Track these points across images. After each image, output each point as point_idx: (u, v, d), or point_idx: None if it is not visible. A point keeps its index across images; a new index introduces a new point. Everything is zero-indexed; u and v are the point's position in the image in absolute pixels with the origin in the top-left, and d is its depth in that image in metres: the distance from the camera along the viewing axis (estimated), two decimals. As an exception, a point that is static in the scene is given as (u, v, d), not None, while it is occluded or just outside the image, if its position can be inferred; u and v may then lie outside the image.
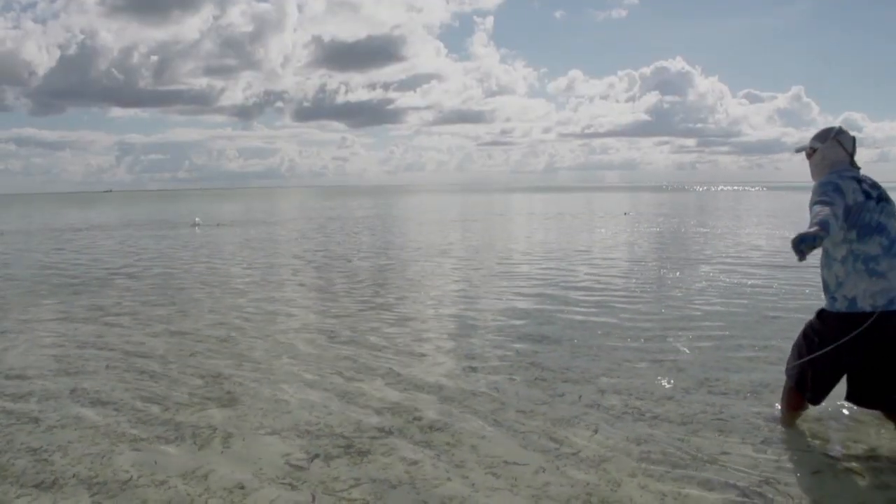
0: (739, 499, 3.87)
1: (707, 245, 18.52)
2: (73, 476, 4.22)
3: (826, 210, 4.24)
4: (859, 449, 4.57)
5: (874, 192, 4.44)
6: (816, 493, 3.98)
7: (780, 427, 4.92)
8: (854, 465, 4.33)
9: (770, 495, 3.91)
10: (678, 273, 13.51)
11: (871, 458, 4.43)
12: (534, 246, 20.06)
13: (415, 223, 33.12)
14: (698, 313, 9.19)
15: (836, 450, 4.57)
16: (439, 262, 15.91)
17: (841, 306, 4.44)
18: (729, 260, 15.32)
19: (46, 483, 4.13)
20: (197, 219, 33.77)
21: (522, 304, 10.13)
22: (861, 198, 4.37)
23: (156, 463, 4.41)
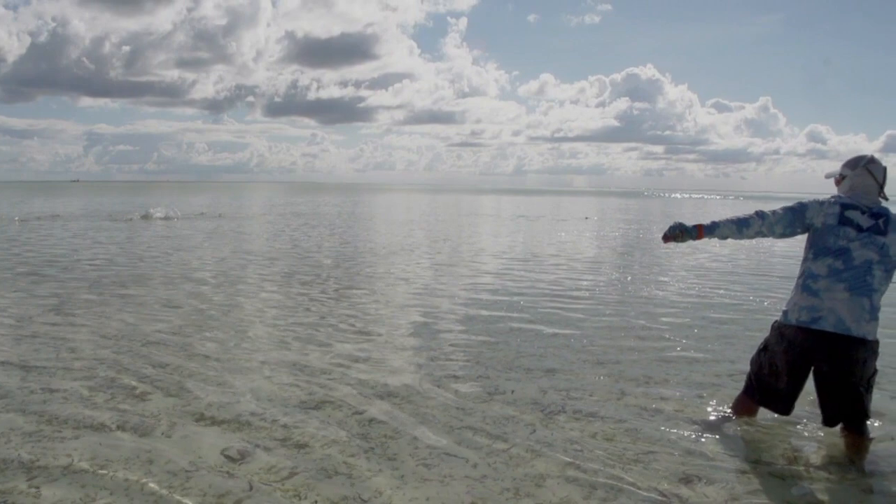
0: (658, 497, 3.99)
1: (660, 252, 18.68)
2: (14, 460, 4.24)
3: (745, 217, 4.69)
4: (786, 455, 4.70)
5: (868, 223, 4.45)
6: (733, 491, 4.11)
7: (709, 430, 5.06)
8: (779, 468, 4.48)
9: (686, 495, 4.04)
10: (628, 277, 13.75)
11: (794, 462, 4.58)
12: (492, 248, 20.13)
13: (380, 221, 33.07)
14: (644, 317, 9.36)
15: (763, 455, 4.70)
16: (397, 260, 15.96)
17: (780, 318, 4.71)
18: (680, 267, 15.56)
19: (-17, 467, 4.16)
20: (152, 210, 32.53)
21: (473, 305, 10.23)
22: (832, 221, 4.50)
23: (98, 449, 4.44)
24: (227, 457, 4.41)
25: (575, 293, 11.38)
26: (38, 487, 3.92)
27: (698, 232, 4.70)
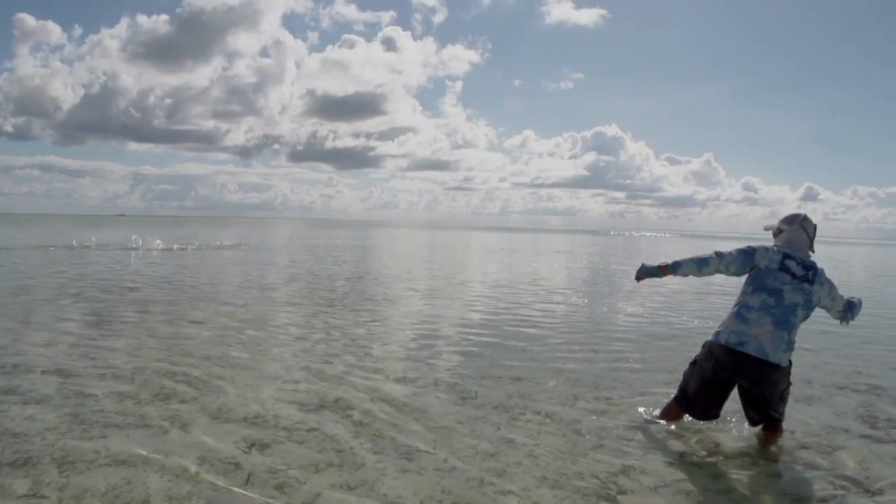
0: (601, 484, 4.01)
1: (618, 278, 18.71)
2: (47, 455, 4.20)
3: (706, 257, 4.76)
4: (708, 448, 4.75)
5: (800, 272, 4.62)
6: (664, 479, 4.14)
7: (646, 429, 5.07)
8: (701, 459, 4.54)
9: (623, 482, 4.07)
10: (587, 301, 13.75)
11: (714, 454, 4.65)
12: (475, 276, 20.11)
13: (384, 253, 32.88)
14: (599, 335, 9.38)
15: (689, 448, 4.75)
16: (397, 285, 15.82)
17: (712, 337, 4.80)
18: (631, 294, 15.52)
19: (20, 461, 4.10)
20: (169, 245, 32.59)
21: (456, 324, 10.19)
22: (774, 266, 4.64)
23: (122, 445, 4.40)
24: (235, 450, 4.38)
25: (541, 314, 11.35)
26: (67, 478, 3.88)
27: (662, 271, 4.76)
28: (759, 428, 4.92)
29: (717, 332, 4.75)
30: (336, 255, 28.12)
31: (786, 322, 4.54)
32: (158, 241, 31.19)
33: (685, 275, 4.81)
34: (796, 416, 5.42)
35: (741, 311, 4.64)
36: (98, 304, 11.29)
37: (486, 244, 50.20)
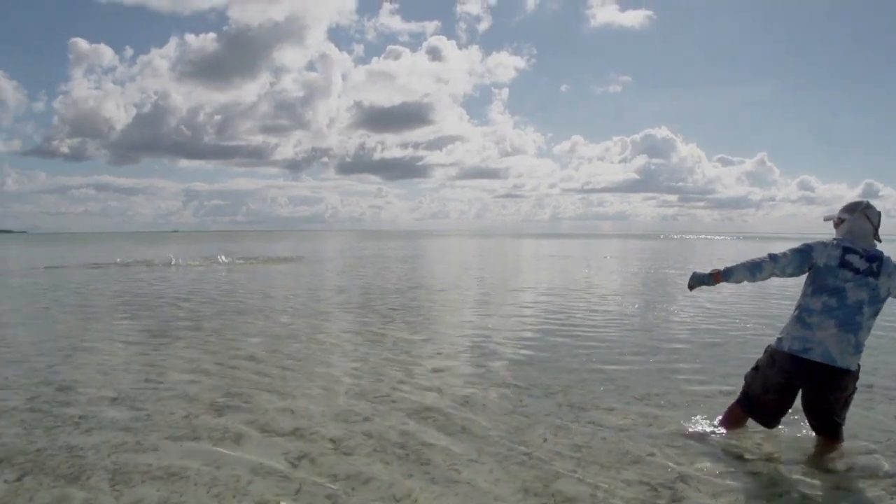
0: (653, 493, 3.92)
1: (669, 282, 18.39)
2: (101, 468, 4.29)
3: (759, 261, 4.53)
4: (764, 455, 4.60)
5: (863, 266, 4.34)
6: (719, 487, 4.03)
7: (699, 437, 4.95)
8: (757, 466, 4.40)
9: (679, 488, 3.98)
10: (636, 305, 13.51)
11: (771, 460, 4.50)
12: (523, 283, 19.88)
13: (436, 262, 32.91)
14: (651, 340, 9.23)
15: (744, 455, 4.60)
16: (449, 294, 15.84)
17: (775, 343, 4.60)
18: (681, 298, 15.13)
19: (74, 475, 4.19)
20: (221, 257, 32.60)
21: (504, 333, 10.12)
22: (834, 263, 4.38)
23: (172, 459, 4.46)
24: (286, 462, 4.41)
25: (590, 321, 11.21)
26: (119, 490, 3.96)
27: (715, 279, 4.59)
28: (816, 436, 4.74)
29: (780, 339, 4.56)
30: (386, 266, 28.33)
31: (851, 323, 4.31)
32: (222, 256, 31.72)
33: (738, 281, 4.62)
34: (857, 420, 5.22)
35: (802, 316, 4.44)
36: (151, 319, 11.56)
37: (536, 251, 49.96)
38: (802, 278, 4.65)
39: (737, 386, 5.08)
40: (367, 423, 5.32)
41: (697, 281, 4.70)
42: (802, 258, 4.49)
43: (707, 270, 4.68)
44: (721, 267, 4.64)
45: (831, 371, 4.32)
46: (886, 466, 4.41)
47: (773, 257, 4.53)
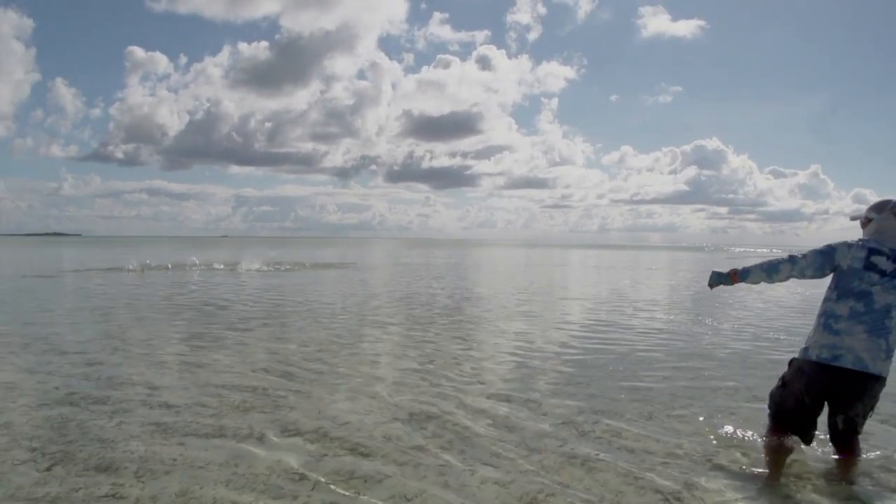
0: (663, 500, 3.95)
1: (706, 295, 18.07)
2: (127, 460, 4.48)
3: (776, 262, 4.46)
4: (780, 467, 4.57)
5: (890, 268, 4.17)
6: (727, 497, 4.03)
7: (719, 448, 4.92)
8: (773, 479, 4.37)
9: (685, 497, 4.00)
10: (673, 316, 13.33)
11: (787, 474, 4.44)
12: (568, 292, 19.85)
13: (483, 271, 32.89)
14: (683, 350, 9.19)
15: (759, 467, 4.57)
16: (491, 303, 15.83)
17: (800, 354, 4.46)
18: (720, 306, 15.03)
19: (103, 466, 4.39)
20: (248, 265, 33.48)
21: (538, 343, 10.16)
22: (858, 265, 4.23)
23: (196, 453, 4.64)
24: (305, 460, 4.55)
25: (625, 331, 11.19)
26: (144, 482, 4.14)
27: (732, 279, 4.56)
28: (833, 449, 4.61)
29: (806, 349, 4.41)
30: (432, 274, 28.55)
31: (881, 328, 4.16)
32: (255, 264, 32.18)
33: (755, 282, 4.56)
34: (879, 434, 5.17)
35: (829, 322, 4.29)
36: (199, 321, 11.88)
37: (582, 261, 49.63)
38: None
39: (763, 394, 5.02)
40: (389, 424, 5.43)
41: (716, 280, 4.65)
42: (824, 260, 4.36)
43: (726, 270, 4.63)
44: (740, 267, 4.60)
45: (864, 378, 4.18)
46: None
47: (792, 258, 4.45)
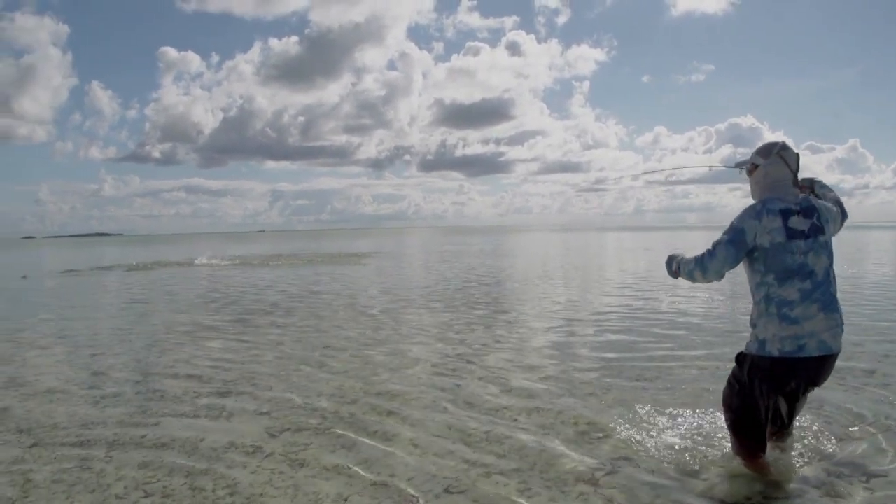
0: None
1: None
2: (103, 439, 4.91)
3: (691, 269, 3.98)
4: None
5: (804, 225, 3.74)
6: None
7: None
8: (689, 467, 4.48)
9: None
10: (709, 304, 13.03)
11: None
12: (604, 276, 19.62)
13: (520, 257, 32.83)
14: (711, 336, 8.73)
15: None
16: (529, 288, 15.85)
17: (754, 350, 3.85)
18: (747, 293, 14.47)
19: (79, 443, 4.84)
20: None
21: (575, 326, 10.00)
22: (781, 237, 3.71)
23: (167, 431, 5.05)
24: (266, 434, 4.92)
25: (650, 316, 10.93)
26: (111, 456, 4.54)
27: (674, 273, 4.15)
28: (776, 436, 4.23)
29: (761, 343, 3.80)
30: (469, 261, 28.66)
31: (831, 299, 3.77)
32: (276, 259, 32.43)
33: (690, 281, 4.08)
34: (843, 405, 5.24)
35: (783, 312, 3.72)
36: (223, 312, 12.22)
37: (618, 245, 48.89)
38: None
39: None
40: (355, 405, 5.71)
41: (668, 270, 4.24)
42: (737, 249, 3.82)
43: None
44: (682, 262, 4.11)
45: (829, 360, 3.84)
46: (830, 451, 4.37)
47: (701, 264, 3.93)
